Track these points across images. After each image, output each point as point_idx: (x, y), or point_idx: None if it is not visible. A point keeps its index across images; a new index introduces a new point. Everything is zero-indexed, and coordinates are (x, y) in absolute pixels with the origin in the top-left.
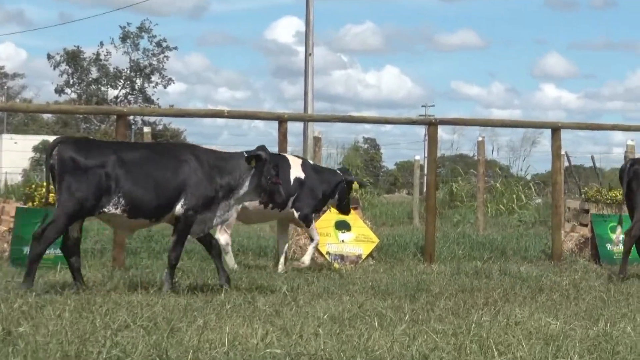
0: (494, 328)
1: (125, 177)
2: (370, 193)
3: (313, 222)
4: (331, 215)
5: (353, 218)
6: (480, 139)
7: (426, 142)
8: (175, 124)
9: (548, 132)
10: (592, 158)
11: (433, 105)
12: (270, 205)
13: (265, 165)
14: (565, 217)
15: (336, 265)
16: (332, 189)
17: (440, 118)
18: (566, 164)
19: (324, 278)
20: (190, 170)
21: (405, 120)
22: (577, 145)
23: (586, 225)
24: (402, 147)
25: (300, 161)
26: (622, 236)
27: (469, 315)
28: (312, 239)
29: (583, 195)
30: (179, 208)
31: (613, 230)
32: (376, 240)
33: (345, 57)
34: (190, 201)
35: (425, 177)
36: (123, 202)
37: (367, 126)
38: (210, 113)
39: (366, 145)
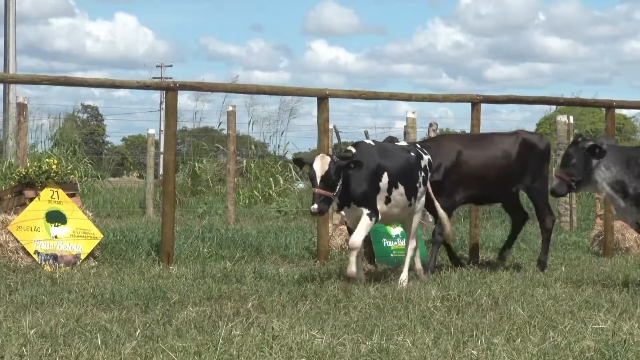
0: (247, 344)
1: None
2: (92, 176)
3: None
4: (41, 204)
5: (70, 208)
6: (230, 108)
7: (163, 112)
8: None
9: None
10: (366, 133)
11: (171, 66)
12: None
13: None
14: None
15: (48, 267)
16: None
17: (181, 82)
18: (335, 140)
19: (31, 284)
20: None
21: (137, 84)
22: (353, 118)
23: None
24: (138, 117)
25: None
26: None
27: (216, 328)
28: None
29: None
30: None
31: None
32: (99, 235)
33: (71, 0)
34: None
35: (161, 157)
36: None
37: (96, 92)
38: None
39: (86, 115)
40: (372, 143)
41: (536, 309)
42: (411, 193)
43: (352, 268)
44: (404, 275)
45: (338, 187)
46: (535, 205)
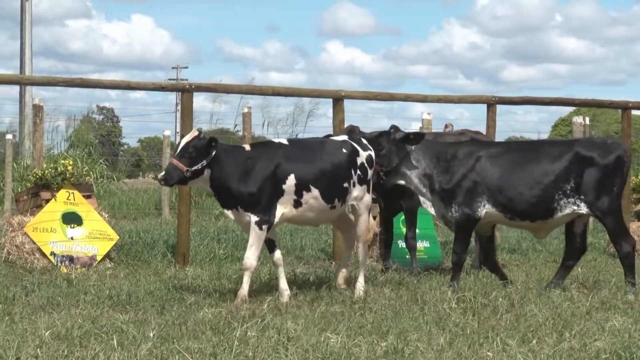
0: (262, 345)
1: None
2: (107, 177)
3: None
4: (57, 205)
5: (86, 209)
6: (245, 110)
7: (179, 114)
8: None
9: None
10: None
11: (187, 67)
12: None
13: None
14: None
15: (64, 269)
16: None
17: (196, 83)
18: None
19: (47, 286)
20: None
21: (153, 86)
22: (369, 119)
23: (375, 218)
24: (154, 119)
25: None
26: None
27: (232, 330)
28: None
29: None
30: None
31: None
32: (115, 237)
33: (88, 1)
34: None
35: None
36: None
37: (112, 93)
38: None
39: (101, 117)
40: (285, 142)
41: (552, 310)
42: (333, 195)
43: (245, 290)
44: (361, 281)
45: (198, 167)
46: None
